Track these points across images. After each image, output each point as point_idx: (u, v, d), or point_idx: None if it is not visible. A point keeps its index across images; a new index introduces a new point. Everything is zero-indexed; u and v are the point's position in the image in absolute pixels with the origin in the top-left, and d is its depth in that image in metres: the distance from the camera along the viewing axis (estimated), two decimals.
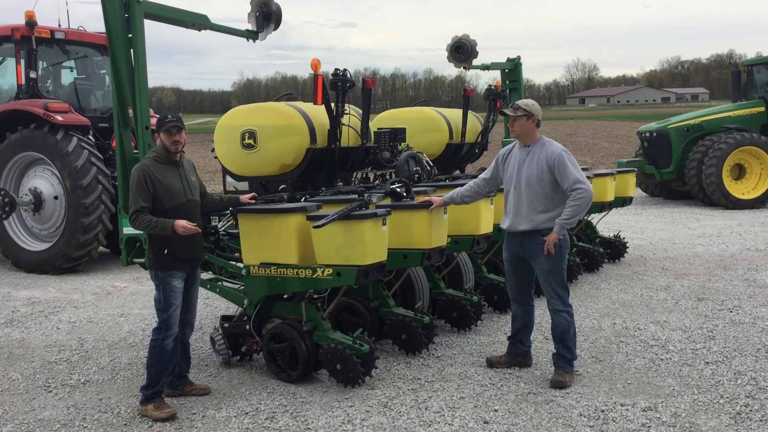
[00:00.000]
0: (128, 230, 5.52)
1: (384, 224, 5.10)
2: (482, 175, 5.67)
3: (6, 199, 9.88)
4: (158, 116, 5.06)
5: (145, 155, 5.18)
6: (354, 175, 8.15)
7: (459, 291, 6.61)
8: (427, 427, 4.54)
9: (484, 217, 6.33)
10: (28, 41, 10.13)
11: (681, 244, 10.67)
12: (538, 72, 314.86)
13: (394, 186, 5.87)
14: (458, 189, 5.74)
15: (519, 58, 12.36)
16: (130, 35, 5.32)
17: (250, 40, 6.55)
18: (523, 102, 5.30)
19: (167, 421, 4.73)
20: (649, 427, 4.43)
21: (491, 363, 5.56)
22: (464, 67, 11.93)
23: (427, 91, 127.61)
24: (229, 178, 8.47)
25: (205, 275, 5.98)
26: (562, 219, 5.06)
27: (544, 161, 5.12)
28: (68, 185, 9.66)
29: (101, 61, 11.31)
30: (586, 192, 5.01)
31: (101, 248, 10.32)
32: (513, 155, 5.35)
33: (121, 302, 8.23)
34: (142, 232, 5.24)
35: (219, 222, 6.30)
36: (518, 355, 5.54)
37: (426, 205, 5.55)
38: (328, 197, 6.11)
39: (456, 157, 9.88)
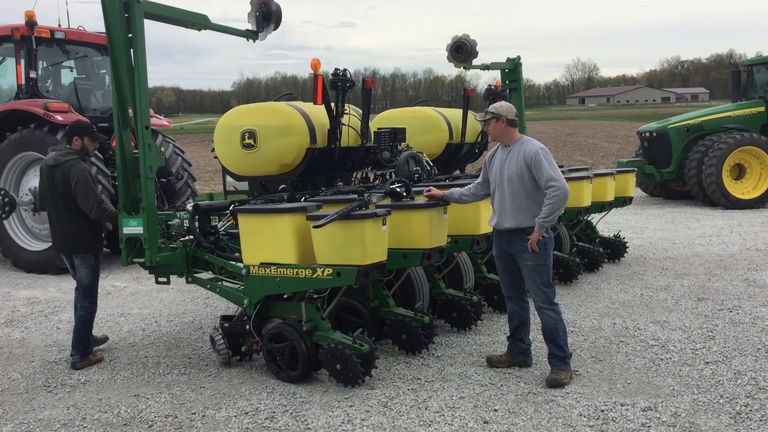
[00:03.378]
0: (128, 230, 5.53)
1: (384, 224, 5.11)
2: (477, 181, 5.76)
3: (6, 199, 9.85)
4: (79, 121, 6.45)
5: (144, 155, 5.44)
6: (354, 175, 8.15)
7: (459, 291, 6.61)
8: (427, 426, 4.54)
9: (484, 217, 6.32)
10: (28, 41, 10.12)
11: (681, 244, 10.67)
12: (538, 72, 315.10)
13: (394, 186, 5.87)
14: (458, 189, 5.78)
15: (519, 57, 12.33)
16: (130, 35, 5.32)
17: (250, 40, 6.54)
18: (492, 105, 5.46)
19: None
20: (649, 427, 4.43)
21: (491, 362, 5.57)
22: (464, 67, 11.91)
23: (427, 91, 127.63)
24: (229, 178, 8.49)
25: (205, 275, 5.98)
26: (540, 218, 5.12)
27: (522, 160, 5.20)
28: None
29: (101, 61, 11.31)
30: (560, 190, 5.05)
31: None
32: (497, 156, 5.46)
33: (121, 302, 8.23)
34: (142, 231, 5.49)
35: (219, 222, 6.30)
36: (518, 353, 5.54)
37: (427, 205, 5.57)
38: (328, 197, 6.11)
39: (456, 157, 9.88)
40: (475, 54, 11.57)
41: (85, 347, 5.97)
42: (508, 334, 5.62)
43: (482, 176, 5.62)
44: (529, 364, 5.54)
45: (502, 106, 5.38)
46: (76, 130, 6.03)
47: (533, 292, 5.29)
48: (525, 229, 5.20)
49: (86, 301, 5.96)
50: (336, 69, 7.06)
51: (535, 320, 5.64)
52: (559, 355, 5.23)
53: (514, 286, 5.49)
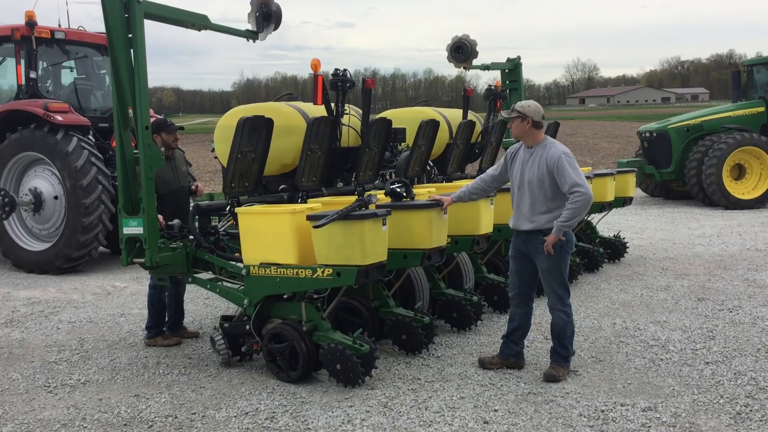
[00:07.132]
0: (128, 230, 5.52)
1: (384, 224, 5.11)
2: (490, 171, 5.68)
3: (6, 199, 9.87)
4: (157, 117, 6.20)
5: (144, 155, 5.39)
6: (354, 175, 8.14)
7: (459, 291, 6.61)
8: (427, 427, 4.54)
9: (484, 217, 6.33)
10: (28, 41, 10.12)
11: (681, 244, 10.67)
12: (538, 72, 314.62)
13: (394, 186, 5.87)
14: (465, 187, 5.76)
15: (519, 58, 12.35)
16: (130, 35, 5.32)
17: (250, 41, 6.54)
18: (519, 104, 5.33)
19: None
20: (649, 427, 4.43)
21: (483, 363, 5.55)
22: (464, 67, 11.93)
23: (427, 91, 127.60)
24: None
25: (205, 275, 5.98)
26: (559, 221, 5.08)
27: (544, 164, 5.14)
28: (68, 185, 9.66)
29: (101, 61, 11.31)
30: (584, 195, 5.01)
31: (101, 248, 10.32)
32: (518, 155, 5.38)
33: (121, 302, 8.23)
34: (142, 232, 5.42)
35: (219, 222, 6.30)
36: (510, 355, 5.52)
37: (427, 205, 5.56)
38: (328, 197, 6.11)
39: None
40: (475, 54, 11.59)
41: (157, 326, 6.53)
42: (504, 334, 5.61)
43: (499, 170, 5.55)
44: (521, 366, 5.51)
45: (530, 107, 5.26)
46: (153, 129, 5.87)
47: (547, 292, 5.29)
48: (542, 231, 5.17)
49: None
50: (336, 69, 7.06)
51: (534, 320, 5.65)
52: (562, 353, 5.27)
53: (521, 289, 5.45)
